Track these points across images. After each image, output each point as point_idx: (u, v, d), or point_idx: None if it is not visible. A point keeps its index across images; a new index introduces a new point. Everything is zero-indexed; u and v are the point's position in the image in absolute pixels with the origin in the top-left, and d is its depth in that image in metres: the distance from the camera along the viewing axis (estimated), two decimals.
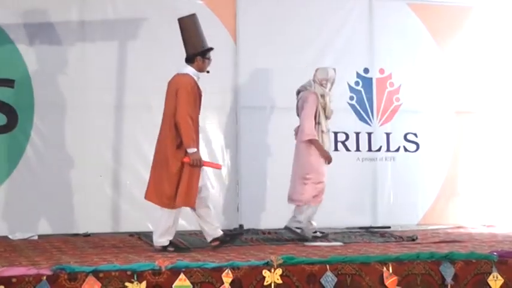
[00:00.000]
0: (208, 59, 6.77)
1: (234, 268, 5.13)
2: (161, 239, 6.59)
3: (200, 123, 8.57)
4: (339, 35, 9.33)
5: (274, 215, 8.56)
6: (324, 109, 7.78)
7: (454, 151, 9.55)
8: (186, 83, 6.56)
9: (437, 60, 9.56)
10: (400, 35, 9.55)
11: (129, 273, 4.84)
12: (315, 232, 7.85)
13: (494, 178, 9.60)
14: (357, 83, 9.42)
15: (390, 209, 9.30)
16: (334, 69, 7.91)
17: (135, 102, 8.63)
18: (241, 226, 8.74)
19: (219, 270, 5.08)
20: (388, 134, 9.45)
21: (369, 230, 8.78)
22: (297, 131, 7.88)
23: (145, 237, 7.60)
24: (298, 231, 7.70)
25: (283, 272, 5.22)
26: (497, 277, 5.72)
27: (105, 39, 8.62)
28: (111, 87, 8.60)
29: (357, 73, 9.41)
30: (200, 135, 8.66)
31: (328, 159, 7.77)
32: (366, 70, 9.44)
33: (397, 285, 5.46)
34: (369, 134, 9.40)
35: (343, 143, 9.30)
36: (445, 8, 9.62)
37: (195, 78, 6.67)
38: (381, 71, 9.47)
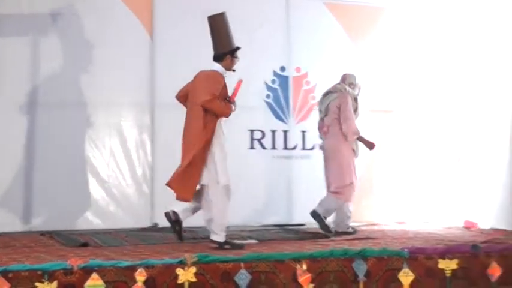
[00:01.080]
0: (237, 57, 6.90)
1: (148, 267, 5.10)
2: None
3: (115, 121, 8.54)
4: (256, 34, 9.34)
5: None
6: (355, 111, 8.24)
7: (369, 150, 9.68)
8: (214, 75, 6.73)
9: (352, 60, 9.69)
10: (316, 34, 9.65)
11: (39, 273, 4.74)
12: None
13: (407, 176, 9.80)
14: (273, 81, 9.48)
15: (305, 206, 9.33)
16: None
17: (48, 99, 8.45)
18: (155, 225, 8.68)
19: (133, 269, 5.04)
20: (303, 132, 9.54)
21: (284, 228, 8.84)
22: (325, 130, 8.31)
23: (57, 236, 7.47)
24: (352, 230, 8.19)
25: (197, 270, 5.21)
26: (408, 273, 5.84)
27: (20, 35, 8.43)
28: (24, 83, 8.41)
29: (274, 71, 9.46)
30: (115, 132, 8.64)
31: (373, 146, 8.43)
32: (283, 68, 9.50)
33: (311, 282, 5.51)
34: (285, 132, 9.47)
35: (259, 140, 9.34)
36: (359, 8, 9.77)
37: (223, 75, 6.80)
38: (297, 69, 9.55)
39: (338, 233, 8.03)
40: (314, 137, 9.46)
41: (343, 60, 9.61)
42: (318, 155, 9.42)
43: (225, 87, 6.75)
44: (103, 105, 8.73)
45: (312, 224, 8.84)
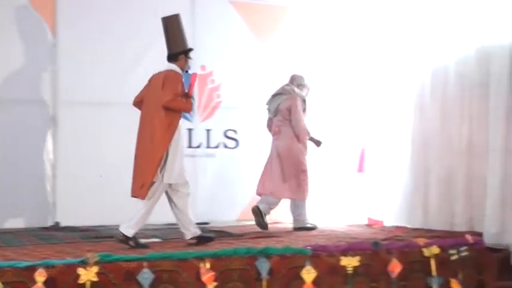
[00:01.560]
0: (190, 58, 7.08)
1: (48, 267, 4.99)
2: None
3: (16, 118, 8.35)
4: (161, 33, 9.25)
5: (93, 212, 8.43)
6: (303, 112, 8.58)
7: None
8: (172, 74, 6.80)
9: (258, 58, 9.73)
10: (222, 32, 9.64)
11: None
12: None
13: (311, 174, 9.86)
14: None
15: (210, 205, 9.36)
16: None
17: None
18: (57, 223, 8.52)
19: (33, 269, 4.93)
20: (208, 131, 9.53)
21: None
22: (276, 131, 8.59)
23: None
24: (311, 226, 8.47)
25: (99, 269, 5.14)
26: (310, 270, 5.91)
27: None
28: None
29: None
30: (16, 129, 8.44)
31: (321, 144, 8.86)
32: (187, 67, 9.43)
33: (214, 280, 5.52)
34: (190, 131, 9.43)
35: None
36: (264, 6, 9.82)
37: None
38: (202, 67, 9.51)
39: (297, 229, 8.40)
40: (219, 136, 9.49)
41: (249, 59, 9.65)
42: (222, 154, 9.47)
43: (182, 85, 6.85)
44: (5, 102, 8.51)
45: (217, 223, 8.86)
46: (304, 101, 8.66)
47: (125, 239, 6.55)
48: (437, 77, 8.13)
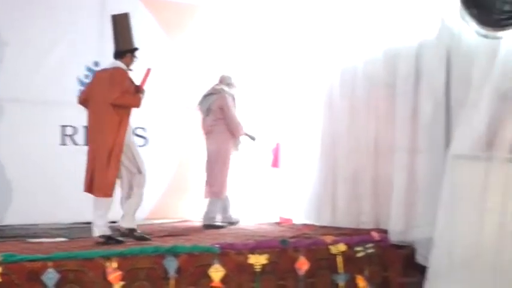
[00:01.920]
0: (136, 57, 7.18)
1: None
2: None
3: None
4: (70, 28, 9.10)
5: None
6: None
7: (183, 146, 9.70)
8: (119, 71, 6.91)
9: (168, 56, 9.65)
10: (133, 29, 9.51)
11: None
12: None
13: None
14: (86, 77, 9.25)
15: (117, 203, 9.22)
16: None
17: None
18: None
19: None
20: None
21: None
22: (208, 130, 8.71)
23: None
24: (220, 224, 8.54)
25: (2, 270, 5.02)
26: (218, 269, 5.92)
27: None
28: None
29: (87, 66, 9.23)
30: None
31: (255, 138, 9.06)
32: (96, 63, 9.28)
33: (121, 280, 5.46)
34: None
35: (71, 136, 9.09)
36: (174, 4, 9.74)
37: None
38: None
39: (206, 226, 8.43)
40: None
41: (159, 56, 9.55)
42: None
43: (130, 80, 6.96)
44: None
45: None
46: (233, 98, 8.81)
47: (129, 232, 6.95)
48: (346, 77, 8.26)
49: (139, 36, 9.33)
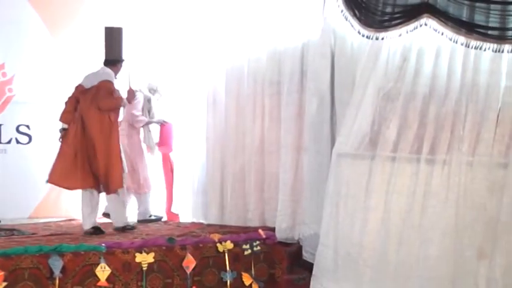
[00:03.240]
0: (122, 67, 8.08)
1: None
2: None
3: None
4: None
5: None
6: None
7: None
8: (108, 84, 7.76)
9: (51, 51, 9.45)
10: (14, 24, 9.27)
11: None
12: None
13: None
14: None
15: (1, 202, 8.98)
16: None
17: None
18: None
19: None
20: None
21: None
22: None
23: None
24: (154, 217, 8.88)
25: None
26: (104, 268, 5.85)
27: None
28: None
29: None
30: None
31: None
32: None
33: (4, 280, 5.32)
34: None
35: None
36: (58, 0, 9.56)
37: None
38: None
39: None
40: (11, 131, 9.12)
41: (42, 52, 9.35)
42: (14, 149, 9.14)
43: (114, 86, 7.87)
44: None
45: (8, 220, 8.53)
46: (149, 100, 9.24)
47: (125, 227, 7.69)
48: (232, 75, 8.30)
49: (22, 32, 9.25)
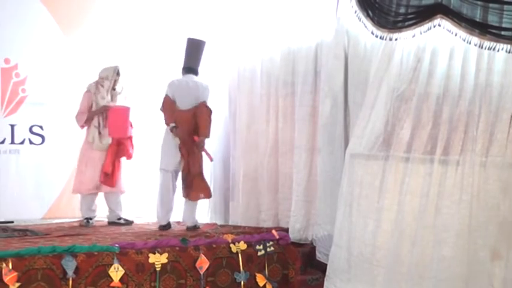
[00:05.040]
0: None
1: None
2: None
3: None
4: None
5: None
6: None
7: (80, 144, 9.52)
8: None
9: (64, 51, 9.45)
10: (28, 24, 9.29)
11: None
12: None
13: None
14: None
15: (14, 202, 9.01)
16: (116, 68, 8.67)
17: None
18: None
19: None
20: (12, 126, 9.16)
21: None
22: None
23: None
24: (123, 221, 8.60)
25: None
26: (118, 268, 5.85)
27: None
28: None
29: None
30: None
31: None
32: None
33: (17, 281, 5.33)
34: None
35: None
36: None
37: None
38: (7, 60, 9.12)
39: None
40: (24, 131, 9.14)
41: (55, 52, 9.36)
42: (28, 150, 9.15)
43: None
44: None
45: (21, 221, 8.55)
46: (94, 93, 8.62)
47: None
48: (245, 76, 8.31)
49: (35, 32, 9.26)
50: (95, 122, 8.45)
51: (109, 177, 8.43)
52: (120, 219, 8.60)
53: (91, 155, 8.47)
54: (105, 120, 8.47)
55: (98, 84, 8.53)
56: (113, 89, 8.64)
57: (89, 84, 8.56)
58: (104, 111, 8.45)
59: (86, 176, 8.44)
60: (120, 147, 8.52)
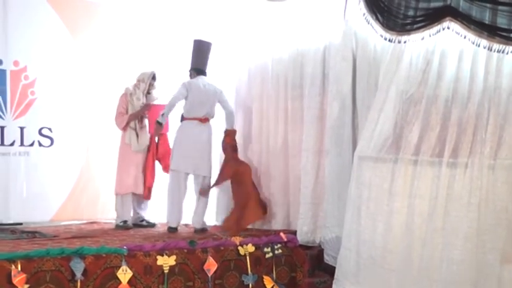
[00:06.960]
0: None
1: None
2: None
3: None
4: None
5: None
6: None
7: (88, 146, 9.55)
8: None
9: (73, 55, 9.48)
10: (36, 27, 9.31)
11: None
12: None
13: None
14: None
15: (23, 205, 9.02)
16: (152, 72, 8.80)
17: None
18: None
19: None
20: (22, 128, 9.17)
21: None
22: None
23: None
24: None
25: None
26: (126, 270, 5.85)
27: None
28: None
29: None
30: None
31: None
32: (0, 62, 9.07)
33: (26, 282, 5.33)
34: (2, 128, 9.04)
35: None
36: (77, 2, 9.57)
37: None
38: (16, 63, 9.14)
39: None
40: (33, 133, 9.16)
41: (64, 54, 9.38)
42: (37, 152, 9.16)
43: None
44: None
45: (30, 223, 8.57)
46: (131, 95, 8.73)
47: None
48: (255, 76, 8.34)
49: (44, 34, 9.27)
50: (132, 123, 8.58)
51: (151, 192, 8.68)
52: (142, 221, 8.69)
53: (130, 156, 8.59)
54: (140, 122, 8.65)
55: (135, 86, 8.70)
56: (148, 92, 8.75)
57: (126, 88, 8.70)
58: (146, 109, 8.66)
59: (129, 177, 8.57)
60: (162, 164, 8.81)
